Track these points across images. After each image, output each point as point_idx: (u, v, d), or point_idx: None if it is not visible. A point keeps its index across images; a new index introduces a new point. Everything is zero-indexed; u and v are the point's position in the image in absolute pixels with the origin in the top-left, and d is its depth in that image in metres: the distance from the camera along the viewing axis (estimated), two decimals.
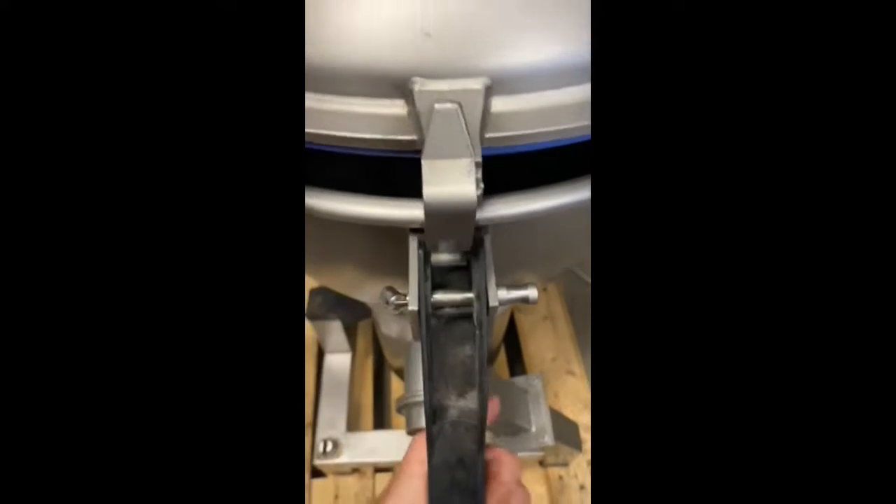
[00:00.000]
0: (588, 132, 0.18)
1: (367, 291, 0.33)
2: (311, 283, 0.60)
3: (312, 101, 0.18)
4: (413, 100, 0.17)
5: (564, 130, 0.18)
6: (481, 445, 0.22)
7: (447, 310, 0.22)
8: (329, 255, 0.29)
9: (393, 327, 0.55)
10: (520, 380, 0.50)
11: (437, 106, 0.16)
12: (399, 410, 0.36)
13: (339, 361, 0.62)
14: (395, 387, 0.67)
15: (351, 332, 0.62)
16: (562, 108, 0.18)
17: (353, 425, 0.59)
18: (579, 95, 0.18)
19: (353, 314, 0.57)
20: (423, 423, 0.34)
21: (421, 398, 0.34)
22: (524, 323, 0.70)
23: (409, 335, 0.50)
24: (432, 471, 0.21)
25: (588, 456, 0.61)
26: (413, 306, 0.19)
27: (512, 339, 0.70)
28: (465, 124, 0.16)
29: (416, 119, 0.17)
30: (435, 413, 0.22)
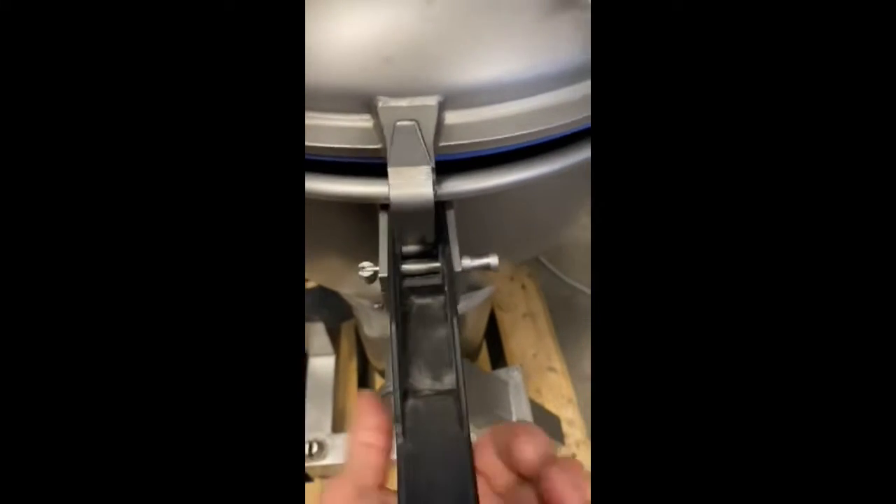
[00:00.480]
0: (531, 139, 0.22)
1: (347, 280, 0.36)
2: None
3: None
4: (378, 115, 0.20)
5: (510, 138, 0.22)
6: (465, 422, 0.20)
7: (416, 279, 0.23)
8: (310, 246, 0.32)
9: (375, 328, 0.58)
10: (500, 372, 0.53)
11: (398, 123, 0.19)
12: (382, 399, 0.39)
13: (322, 364, 0.65)
14: (380, 388, 0.70)
15: (334, 336, 0.66)
16: (506, 119, 0.21)
17: (338, 427, 0.62)
18: (521, 108, 0.22)
19: (335, 316, 0.60)
20: None
21: None
22: (505, 321, 0.74)
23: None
24: (405, 455, 0.19)
25: (571, 450, 0.65)
26: (383, 273, 0.21)
27: (493, 337, 0.73)
28: (422, 137, 0.20)
29: (380, 131, 0.20)
30: (406, 392, 0.21)
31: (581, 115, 0.23)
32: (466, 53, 0.21)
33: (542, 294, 0.78)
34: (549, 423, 0.58)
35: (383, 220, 0.23)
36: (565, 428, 0.64)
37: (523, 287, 0.77)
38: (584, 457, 0.64)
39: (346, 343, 0.71)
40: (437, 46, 0.20)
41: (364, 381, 0.72)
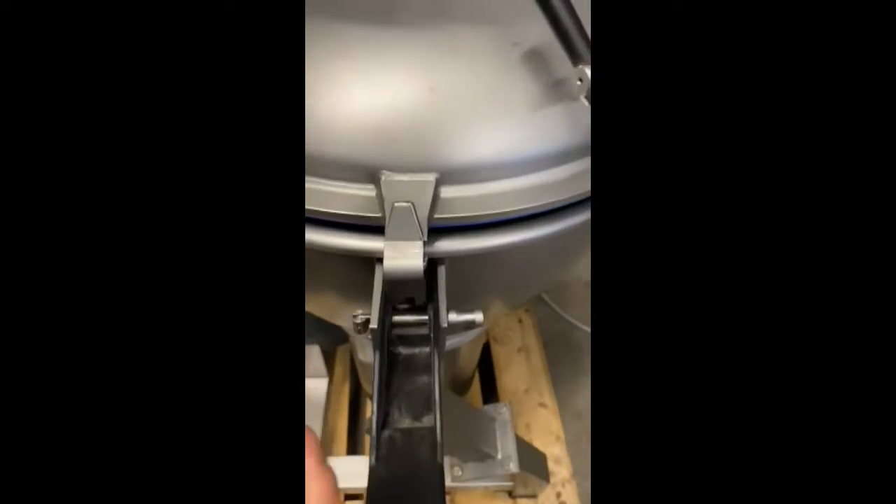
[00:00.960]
0: (519, 214, 0.25)
1: (343, 316, 0.38)
2: None
3: (307, 182, 0.24)
4: (380, 187, 0.23)
5: (500, 213, 0.25)
6: (439, 458, 0.20)
7: (405, 330, 0.26)
8: (311, 283, 0.35)
9: (369, 353, 0.61)
10: (488, 408, 0.55)
11: (396, 204, 0.22)
12: (367, 431, 0.41)
13: (315, 386, 0.68)
14: (367, 420, 0.72)
15: (329, 359, 0.68)
16: (497, 195, 0.24)
17: (326, 450, 0.65)
18: (511, 186, 0.24)
19: (331, 339, 0.63)
20: None
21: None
22: (500, 354, 0.76)
23: None
24: (376, 479, 0.20)
25: (557, 489, 0.66)
26: (374, 325, 0.23)
27: (487, 371, 0.75)
28: (416, 216, 0.22)
29: (381, 202, 0.23)
30: (385, 421, 0.22)
31: (569, 193, 0.26)
32: (463, 136, 0.24)
33: (538, 329, 0.80)
34: (535, 461, 0.60)
35: (378, 272, 0.26)
36: (551, 466, 0.66)
37: (520, 321, 0.79)
38: (570, 496, 0.65)
39: (341, 367, 0.73)
40: (437, 130, 0.23)
41: (355, 405, 0.74)
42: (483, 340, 0.73)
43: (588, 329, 0.84)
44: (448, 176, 0.24)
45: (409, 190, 0.23)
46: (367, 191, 0.24)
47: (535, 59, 0.24)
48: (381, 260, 0.25)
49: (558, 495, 0.66)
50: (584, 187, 0.26)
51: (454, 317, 0.26)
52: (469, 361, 0.67)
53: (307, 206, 0.24)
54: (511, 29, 0.24)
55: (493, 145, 0.24)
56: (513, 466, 0.53)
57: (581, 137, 0.25)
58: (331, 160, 0.24)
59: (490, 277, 0.31)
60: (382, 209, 0.23)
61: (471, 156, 0.24)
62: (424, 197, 0.23)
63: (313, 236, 0.26)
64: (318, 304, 0.41)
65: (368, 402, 0.73)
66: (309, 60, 0.24)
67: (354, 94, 0.24)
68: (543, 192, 0.25)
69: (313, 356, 0.65)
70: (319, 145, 0.23)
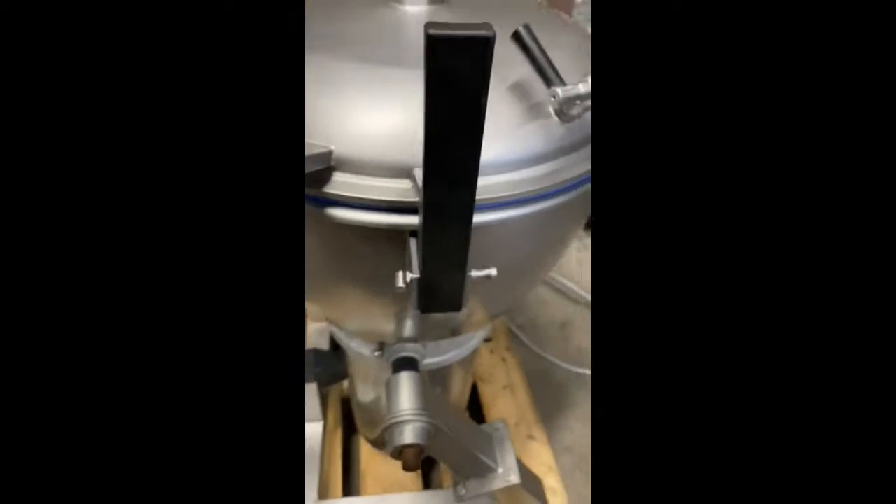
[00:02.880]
0: (503, 201, 0.35)
1: (364, 312, 0.46)
2: None
3: (354, 178, 0.34)
4: (415, 180, 0.33)
5: (489, 199, 0.35)
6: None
7: None
8: (337, 280, 0.42)
9: (369, 389, 0.66)
10: (485, 426, 0.61)
11: None
12: (383, 433, 0.47)
13: (312, 430, 0.71)
14: (365, 457, 0.75)
15: (322, 402, 0.72)
16: (489, 186, 0.34)
17: (323, 494, 0.67)
18: (500, 180, 0.35)
19: (330, 374, 0.68)
20: (405, 439, 0.45)
21: (405, 417, 0.46)
22: (486, 392, 0.83)
23: (384, 398, 0.60)
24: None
25: None
26: (416, 274, 0.33)
27: (475, 409, 0.81)
28: None
29: (417, 190, 0.33)
30: None
31: (542, 185, 0.36)
32: None
33: (522, 368, 0.87)
34: (533, 484, 0.64)
35: (412, 242, 0.35)
36: (547, 496, 0.70)
37: (503, 360, 0.87)
38: None
39: (332, 413, 0.77)
40: None
41: (348, 451, 0.77)
42: (472, 377, 0.79)
43: (568, 367, 0.92)
44: None
45: None
46: (404, 184, 0.34)
47: (518, 88, 0.35)
48: (412, 233, 0.35)
49: None
50: (552, 181, 0.36)
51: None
52: (462, 396, 0.73)
53: (354, 195, 0.33)
54: (501, 69, 0.36)
55: (487, 150, 0.34)
56: (514, 478, 0.58)
57: (553, 144, 0.36)
58: (374, 161, 0.34)
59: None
60: (417, 193, 0.33)
61: None
62: None
63: (365, 217, 0.35)
64: (338, 304, 0.49)
65: (362, 450, 0.76)
66: (349, 92, 0.34)
67: (394, 109, 0.34)
68: (523, 183, 0.35)
69: (310, 396, 0.69)
70: (364, 149, 0.33)
